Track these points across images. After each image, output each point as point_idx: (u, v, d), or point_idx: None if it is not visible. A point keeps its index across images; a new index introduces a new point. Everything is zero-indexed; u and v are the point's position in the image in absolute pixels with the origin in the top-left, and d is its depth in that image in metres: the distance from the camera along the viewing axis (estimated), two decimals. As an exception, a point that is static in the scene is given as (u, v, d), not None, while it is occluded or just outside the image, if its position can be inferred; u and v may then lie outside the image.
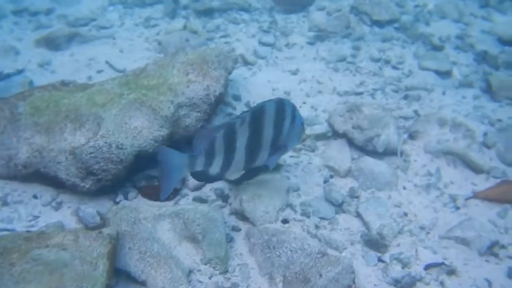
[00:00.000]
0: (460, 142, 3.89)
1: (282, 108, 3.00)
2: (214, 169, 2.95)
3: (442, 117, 4.03)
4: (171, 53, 4.37)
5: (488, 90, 4.64)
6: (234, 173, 3.31)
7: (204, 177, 3.02)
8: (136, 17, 5.95)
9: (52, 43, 5.23)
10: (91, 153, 3.37)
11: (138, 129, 3.53)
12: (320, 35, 5.38)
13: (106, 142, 3.39)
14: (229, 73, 4.26)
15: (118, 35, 5.56)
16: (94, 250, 2.87)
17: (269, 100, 2.95)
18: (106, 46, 5.36)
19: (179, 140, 3.76)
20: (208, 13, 5.80)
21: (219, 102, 4.04)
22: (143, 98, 3.68)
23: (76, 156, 3.38)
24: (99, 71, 4.96)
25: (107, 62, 5.02)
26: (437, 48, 5.28)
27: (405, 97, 4.51)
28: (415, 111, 4.30)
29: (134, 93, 3.74)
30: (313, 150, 3.96)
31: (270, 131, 3.10)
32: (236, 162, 3.08)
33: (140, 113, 3.62)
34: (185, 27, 5.59)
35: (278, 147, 3.22)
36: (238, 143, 2.90)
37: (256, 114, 2.90)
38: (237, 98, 4.41)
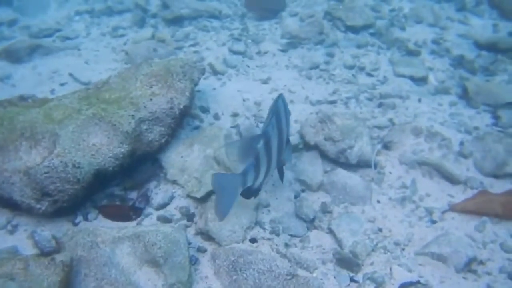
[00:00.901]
0: (435, 152, 3.79)
1: (284, 103, 3.06)
2: (259, 180, 2.93)
3: (417, 126, 3.93)
4: (135, 65, 4.18)
5: (465, 96, 4.55)
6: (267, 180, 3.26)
7: (249, 192, 2.98)
8: (103, 26, 5.79)
9: (13, 56, 5.04)
10: (45, 173, 3.20)
11: (97, 146, 3.37)
12: (293, 42, 5.26)
13: (61, 161, 3.22)
14: (196, 84, 4.12)
15: (83, 46, 5.39)
16: (45, 279, 2.71)
17: (277, 99, 3.00)
18: (70, 57, 5.19)
19: (142, 156, 3.59)
20: (177, 21, 5.65)
21: (184, 115, 3.89)
22: (102, 113, 3.52)
23: (31, 176, 3.21)
24: (62, 84, 4.80)
25: (70, 75, 4.85)
26: (413, 54, 5.19)
27: (380, 105, 4.40)
28: (390, 120, 4.19)
29: (93, 108, 3.58)
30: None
31: (286, 128, 3.11)
32: (272, 167, 3.06)
33: (99, 129, 3.47)
34: (153, 36, 5.45)
35: (287, 141, 3.22)
36: (273, 149, 2.90)
37: (278, 115, 2.90)
38: (205, 110, 4.26)
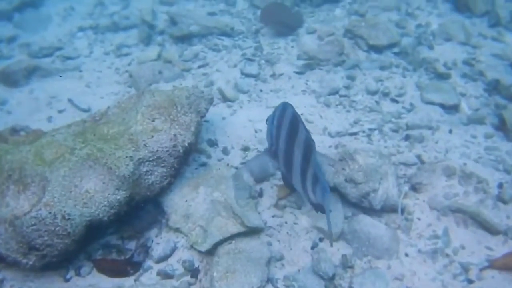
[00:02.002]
0: (471, 196, 3.42)
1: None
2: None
3: (449, 165, 3.57)
4: (137, 93, 3.88)
5: (502, 127, 4.17)
6: None
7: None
8: (107, 44, 5.50)
9: (9, 79, 4.78)
10: (32, 225, 2.91)
11: (90, 193, 3.07)
12: (310, 64, 4.91)
13: (50, 212, 2.93)
14: (202, 116, 3.81)
15: (85, 67, 5.11)
16: None
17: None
18: (71, 80, 4.93)
19: (141, 202, 3.28)
20: (185, 39, 5.36)
21: (189, 153, 3.58)
22: (97, 154, 3.22)
23: (16, 228, 2.93)
24: (60, 111, 4.52)
25: (69, 101, 4.57)
26: (442, 77, 4.81)
27: (406, 138, 4.03)
28: (418, 156, 3.83)
29: (88, 147, 3.29)
30: (299, 207, 3.49)
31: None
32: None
33: (93, 172, 3.16)
34: (159, 56, 5.15)
35: None
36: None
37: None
38: (213, 143, 3.94)
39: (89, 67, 5.11)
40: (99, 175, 3.17)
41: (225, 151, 3.94)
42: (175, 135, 3.49)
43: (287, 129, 2.97)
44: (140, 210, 3.38)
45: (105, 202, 3.09)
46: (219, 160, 3.86)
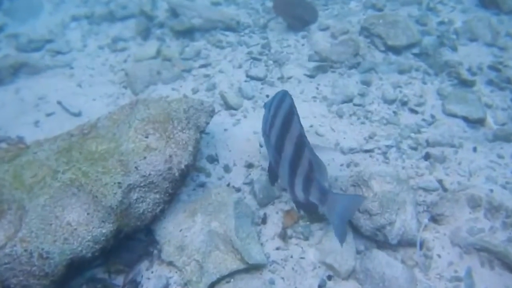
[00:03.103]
0: (498, 233, 3.10)
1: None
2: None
3: (474, 195, 3.24)
4: (130, 103, 3.54)
5: (532, 145, 3.79)
6: None
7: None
8: (102, 36, 5.14)
9: (-7, 77, 4.42)
10: (6, 263, 2.64)
11: (72, 226, 2.77)
12: (322, 66, 4.51)
13: (26, 250, 2.64)
14: (202, 131, 3.48)
15: (77, 63, 4.76)
16: None
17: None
18: (61, 78, 4.59)
19: (130, 233, 2.97)
20: (187, 33, 4.98)
21: (186, 176, 3.24)
22: (82, 179, 2.92)
23: (-11, 265, 2.61)
24: (48, 115, 4.20)
25: (59, 103, 4.21)
26: (466, 84, 4.43)
27: (426, 157, 3.69)
28: (440, 181, 3.51)
29: (73, 170, 2.99)
30: (307, 238, 3.19)
31: None
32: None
33: (76, 201, 2.86)
34: (158, 53, 4.78)
35: None
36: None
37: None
38: (213, 159, 3.62)
39: (81, 63, 4.76)
40: (83, 205, 2.86)
41: (227, 169, 3.62)
42: (170, 156, 3.16)
43: (281, 120, 2.88)
44: (130, 239, 3.05)
45: (89, 237, 2.78)
46: (220, 179, 3.54)
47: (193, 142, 3.33)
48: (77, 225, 2.80)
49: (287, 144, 2.84)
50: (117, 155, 3.16)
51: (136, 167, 3.06)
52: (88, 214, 2.86)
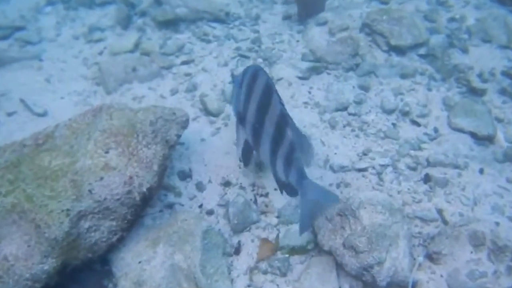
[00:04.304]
0: (502, 279, 2.74)
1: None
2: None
3: (477, 232, 2.88)
4: (93, 109, 3.16)
5: (547, 169, 3.39)
6: None
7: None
8: (78, 24, 4.74)
9: (-49, 69, 4.04)
10: None
11: (9, 262, 2.45)
12: (316, 67, 4.09)
13: (-49, 291, 2.25)
14: (172, 145, 3.10)
15: (47, 55, 4.38)
16: None
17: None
18: (28, 72, 4.21)
19: (79, 267, 2.61)
20: (171, 24, 4.55)
21: (149, 200, 2.87)
22: (25, 204, 2.58)
23: None
24: (10, 114, 3.85)
25: (22, 101, 3.83)
26: (476, 92, 4.02)
27: (426, 179, 3.32)
28: (439, 211, 3.11)
29: (16, 192, 2.67)
30: (284, 274, 2.83)
31: None
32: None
33: (17, 231, 2.54)
34: (136, 46, 4.39)
35: None
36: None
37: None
38: (185, 175, 3.26)
39: (52, 55, 4.37)
40: (24, 236, 2.52)
41: (200, 186, 3.26)
42: (131, 177, 2.80)
43: (258, 98, 2.78)
44: (81, 271, 2.70)
45: (27, 275, 2.45)
46: (191, 199, 3.19)
47: (158, 160, 2.96)
48: (15, 260, 2.46)
49: (267, 124, 2.74)
50: (70, 174, 2.80)
51: (90, 190, 2.70)
52: (28, 246, 2.52)
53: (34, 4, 5.00)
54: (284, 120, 2.66)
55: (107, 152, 2.92)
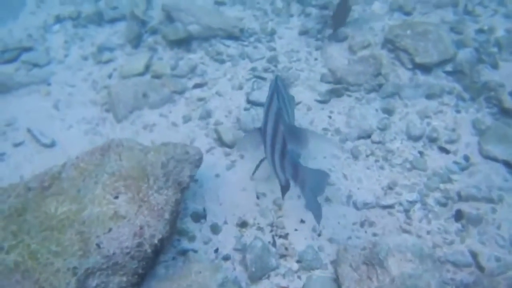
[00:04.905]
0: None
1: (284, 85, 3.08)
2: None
3: (516, 282, 2.58)
4: (101, 147, 2.98)
5: None
6: None
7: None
8: (87, 43, 4.55)
9: (-44, 98, 3.90)
10: None
11: (12, 330, 2.22)
12: (337, 89, 3.86)
13: None
14: (185, 188, 2.91)
15: (55, 78, 4.22)
16: None
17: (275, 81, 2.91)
18: (35, 97, 4.07)
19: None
20: (183, 43, 4.34)
21: (160, 251, 2.68)
22: (29, 262, 2.43)
23: None
24: (16, 145, 3.71)
25: (29, 131, 3.66)
26: (509, 114, 3.76)
27: (457, 217, 3.11)
28: (474, 255, 2.88)
29: (20, 247, 2.48)
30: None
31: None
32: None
33: (20, 292, 2.31)
34: (147, 68, 4.19)
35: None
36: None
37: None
38: (199, 216, 3.08)
39: (61, 78, 4.20)
40: (28, 299, 2.32)
41: (215, 229, 3.07)
42: (141, 227, 2.63)
43: (266, 103, 2.93)
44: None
45: None
46: (206, 243, 3.00)
47: (171, 207, 2.78)
48: (18, 328, 2.27)
49: (268, 124, 2.80)
50: (77, 224, 2.63)
51: (98, 244, 2.53)
52: (32, 311, 2.32)
53: (42, 22, 4.83)
54: (278, 115, 2.69)
55: (116, 198, 2.75)
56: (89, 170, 2.98)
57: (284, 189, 2.88)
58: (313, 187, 2.59)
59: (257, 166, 3.27)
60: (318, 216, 2.63)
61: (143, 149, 3.00)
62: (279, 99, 2.74)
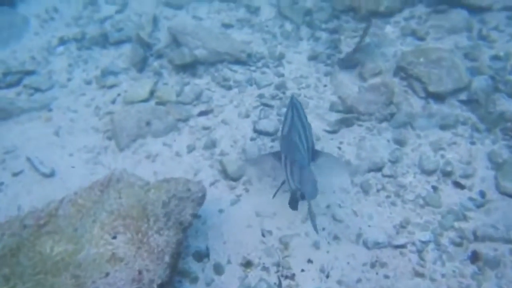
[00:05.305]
0: None
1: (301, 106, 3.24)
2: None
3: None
4: (100, 182, 2.86)
5: None
6: None
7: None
8: (91, 66, 4.46)
9: (-45, 123, 3.80)
10: None
11: None
12: (347, 119, 3.71)
13: None
14: (186, 227, 2.77)
15: (57, 103, 4.13)
16: None
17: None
18: (36, 124, 3.98)
19: None
20: (189, 67, 4.21)
21: (160, 294, 2.54)
22: (21, 313, 2.24)
23: None
24: (15, 174, 3.60)
25: (28, 160, 3.55)
26: (526, 147, 3.56)
27: (473, 259, 2.96)
28: (490, 301, 2.69)
29: (11, 294, 2.31)
30: None
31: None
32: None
33: None
34: (152, 94, 4.08)
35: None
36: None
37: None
38: (202, 255, 2.96)
39: (63, 103, 4.11)
40: None
41: (218, 269, 2.94)
42: (140, 272, 2.50)
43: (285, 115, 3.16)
44: None
45: None
46: (208, 285, 2.87)
47: (171, 249, 2.66)
48: None
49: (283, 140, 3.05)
50: (73, 267, 2.52)
51: (94, 291, 2.36)
52: None
53: (46, 43, 4.74)
54: (290, 131, 2.93)
55: (114, 238, 2.63)
56: (87, 207, 2.87)
57: (293, 195, 2.94)
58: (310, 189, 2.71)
59: (278, 188, 3.26)
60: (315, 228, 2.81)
61: (143, 186, 2.88)
62: (293, 116, 2.99)
